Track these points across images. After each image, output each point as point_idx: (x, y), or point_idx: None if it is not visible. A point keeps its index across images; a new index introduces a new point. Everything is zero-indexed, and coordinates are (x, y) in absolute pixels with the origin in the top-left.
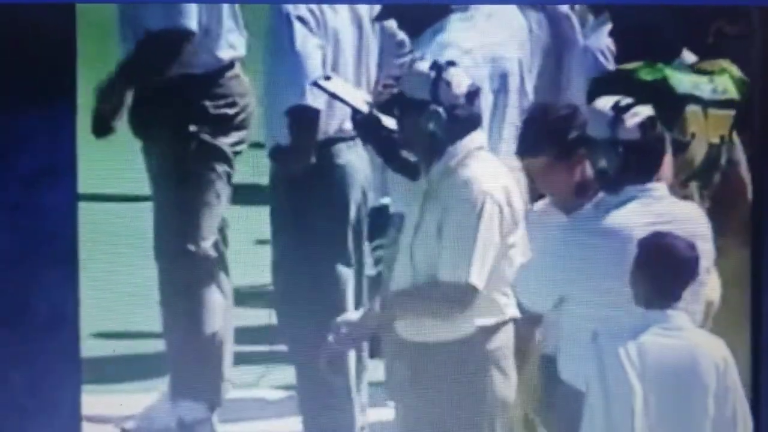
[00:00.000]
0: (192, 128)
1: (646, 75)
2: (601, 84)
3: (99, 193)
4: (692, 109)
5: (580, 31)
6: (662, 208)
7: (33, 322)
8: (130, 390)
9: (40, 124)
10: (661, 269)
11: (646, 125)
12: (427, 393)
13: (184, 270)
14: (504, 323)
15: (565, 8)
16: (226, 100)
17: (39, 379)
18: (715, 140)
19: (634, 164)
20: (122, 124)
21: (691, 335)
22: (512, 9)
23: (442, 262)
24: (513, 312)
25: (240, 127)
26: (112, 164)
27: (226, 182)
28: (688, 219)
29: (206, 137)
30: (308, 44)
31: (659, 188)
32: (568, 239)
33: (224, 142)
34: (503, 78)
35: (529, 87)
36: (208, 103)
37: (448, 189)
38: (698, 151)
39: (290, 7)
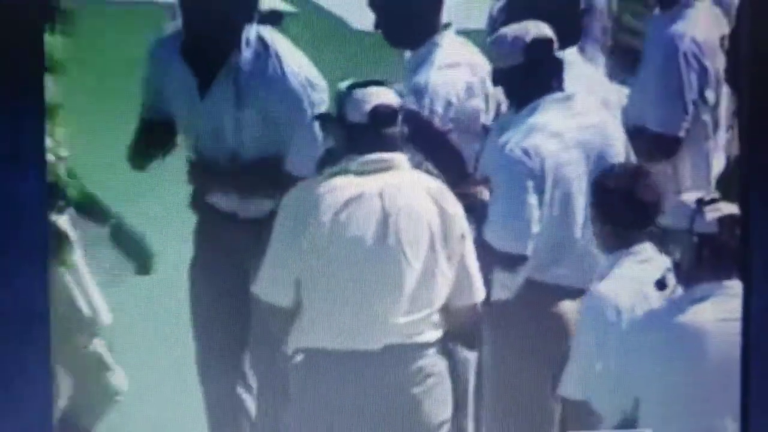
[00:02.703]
0: None
1: None
2: None
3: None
4: None
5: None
6: (737, 306)
7: (1, 319)
8: None
9: (6, 108)
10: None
11: (725, 221)
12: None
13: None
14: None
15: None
16: None
17: (8, 380)
18: None
19: (709, 259)
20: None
21: None
22: (605, 83)
23: None
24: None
25: None
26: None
27: None
28: None
29: None
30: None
31: (736, 286)
32: (642, 338)
33: None
34: (599, 158)
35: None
36: None
37: None
38: None
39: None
